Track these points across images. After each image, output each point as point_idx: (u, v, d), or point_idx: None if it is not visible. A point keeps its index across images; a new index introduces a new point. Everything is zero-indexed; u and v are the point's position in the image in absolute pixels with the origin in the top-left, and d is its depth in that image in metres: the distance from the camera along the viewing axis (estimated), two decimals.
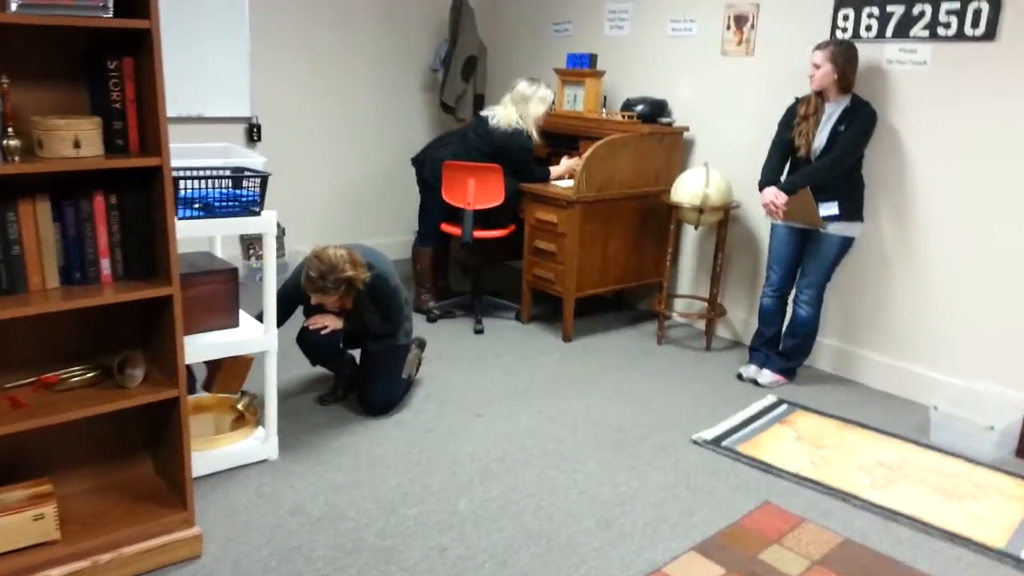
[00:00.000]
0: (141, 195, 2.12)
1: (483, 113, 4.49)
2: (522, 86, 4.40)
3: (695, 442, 3.21)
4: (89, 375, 2.21)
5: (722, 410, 3.52)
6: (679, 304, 4.73)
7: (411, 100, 5.68)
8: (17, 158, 1.89)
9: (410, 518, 2.59)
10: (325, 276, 2.98)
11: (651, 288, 4.70)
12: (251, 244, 5.11)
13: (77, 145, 1.96)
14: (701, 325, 4.52)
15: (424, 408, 3.40)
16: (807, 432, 3.36)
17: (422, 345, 3.63)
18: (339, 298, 3.10)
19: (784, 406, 3.61)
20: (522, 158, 4.33)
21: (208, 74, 4.73)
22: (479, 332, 4.36)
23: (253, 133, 5.00)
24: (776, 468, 3.02)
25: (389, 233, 5.63)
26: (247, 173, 2.67)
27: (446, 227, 4.43)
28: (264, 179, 2.69)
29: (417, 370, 3.60)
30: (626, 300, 5.00)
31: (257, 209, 2.69)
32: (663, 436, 3.25)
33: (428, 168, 4.47)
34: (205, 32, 4.66)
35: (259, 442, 2.90)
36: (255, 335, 2.78)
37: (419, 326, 4.35)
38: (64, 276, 2.07)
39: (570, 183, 4.21)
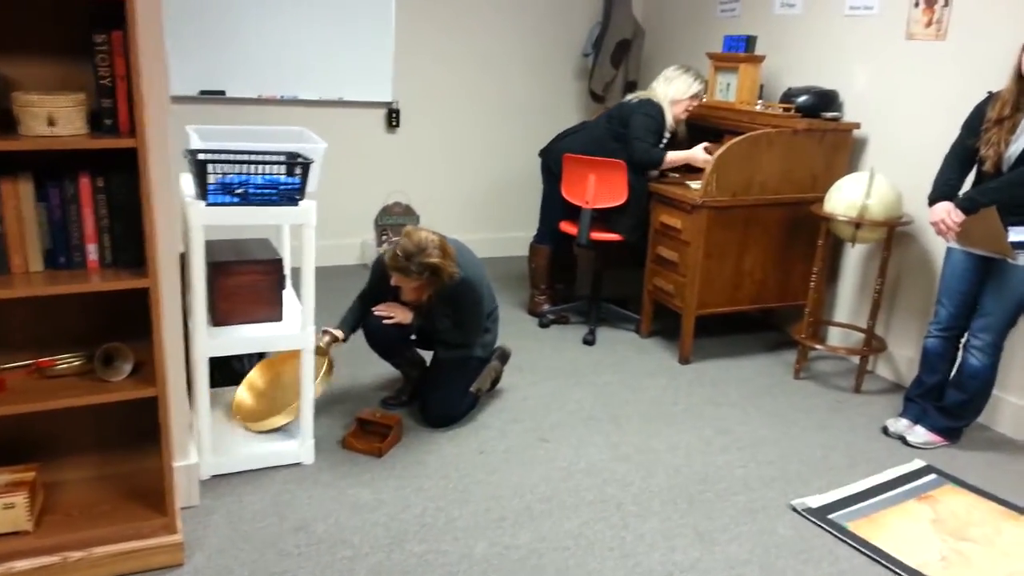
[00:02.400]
0: (131, 179, 1.98)
1: (625, 99, 4.08)
2: (669, 69, 3.94)
3: (794, 509, 2.63)
4: (80, 363, 2.13)
5: (847, 471, 2.88)
6: (833, 334, 4.02)
7: (561, 87, 5.34)
8: None
9: (415, 556, 2.29)
10: (411, 256, 2.76)
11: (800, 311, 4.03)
12: (385, 229, 5.05)
13: (52, 123, 1.85)
14: (856, 361, 3.79)
15: (489, 425, 3.08)
16: (950, 515, 2.65)
17: (504, 358, 3.30)
18: (418, 287, 2.86)
19: (931, 476, 2.89)
20: (639, 125, 3.84)
21: (350, 58, 4.69)
22: (588, 343, 3.97)
23: (391, 119, 4.91)
24: (891, 558, 2.39)
25: (524, 227, 5.34)
26: (284, 158, 2.49)
27: (565, 226, 4.05)
28: (306, 166, 2.49)
29: (493, 385, 3.30)
30: (774, 321, 4.35)
31: (297, 197, 2.50)
32: (756, 496, 2.69)
33: (552, 159, 4.12)
34: (349, 16, 4.61)
35: (296, 444, 2.74)
36: (293, 331, 2.61)
37: (527, 331, 4.05)
38: (49, 259, 1.99)
39: (699, 184, 3.67)
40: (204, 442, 2.58)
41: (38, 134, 1.84)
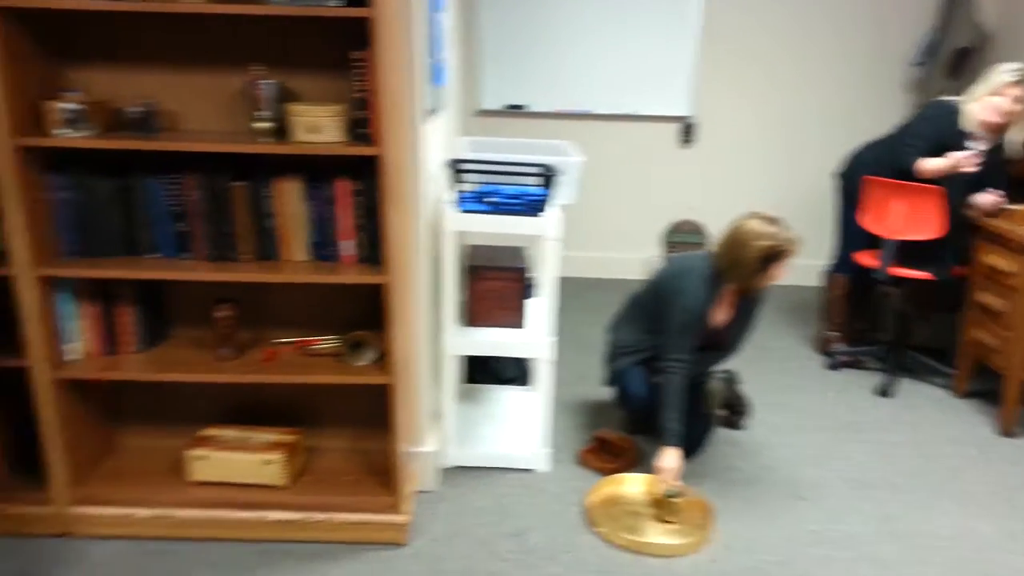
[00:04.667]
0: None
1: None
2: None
3: None
4: (335, 346, 2.37)
5: None
6: None
7: (884, 101, 4.76)
8: (266, 140, 2.09)
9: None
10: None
11: None
12: (673, 246, 4.94)
13: (315, 131, 2.08)
14: None
15: (738, 467, 2.84)
16: None
17: (731, 380, 3.05)
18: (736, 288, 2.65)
19: None
20: (908, 129, 3.34)
21: (647, 72, 4.67)
22: (884, 394, 3.47)
23: (686, 134, 4.79)
24: None
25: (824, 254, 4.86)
26: (528, 169, 2.53)
27: (862, 257, 3.59)
28: (550, 177, 2.52)
29: (737, 415, 3.06)
30: None
31: (541, 209, 2.54)
32: None
33: (852, 177, 3.68)
34: (653, 30, 4.60)
35: (532, 449, 2.77)
36: (533, 338, 2.66)
37: (810, 371, 3.69)
38: (312, 252, 2.25)
39: None
40: (448, 433, 2.73)
41: (304, 140, 2.09)
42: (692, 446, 2.85)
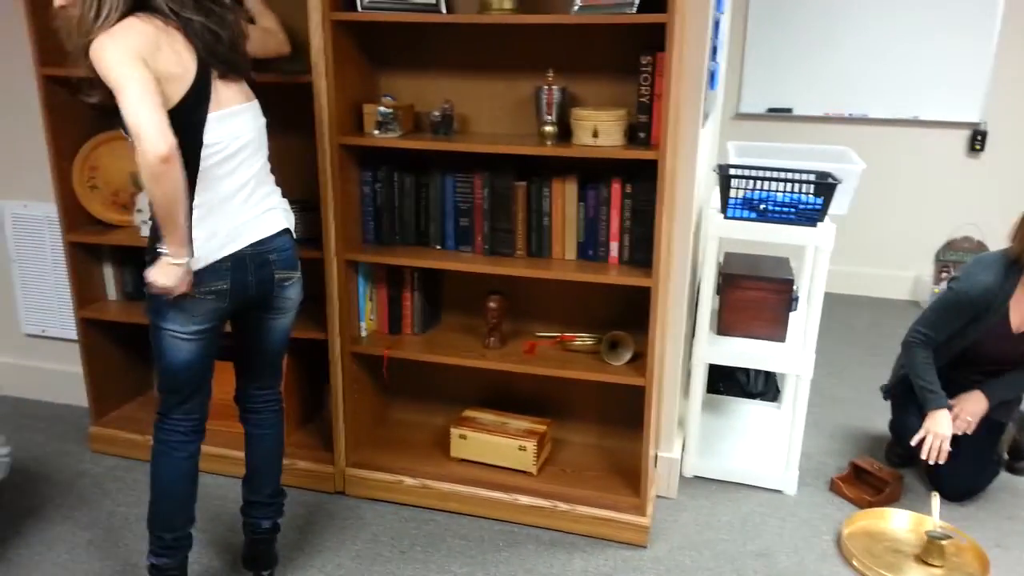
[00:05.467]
0: (652, 187, 2.18)
1: None
2: None
3: None
4: (593, 343, 2.43)
5: None
6: None
7: None
8: (550, 143, 2.19)
9: None
10: None
11: None
12: (946, 266, 4.50)
13: (595, 135, 2.14)
14: None
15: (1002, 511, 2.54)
16: None
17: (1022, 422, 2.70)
18: None
19: None
20: None
21: (932, 74, 4.28)
22: None
23: (975, 141, 4.33)
24: None
25: None
26: (810, 178, 2.43)
27: None
28: (830, 187, 2.40)
29: (1008, 452, 2.73)
30: None
31: (816, 219, 2.43)
32: None
33: None
34: (939, 28, 4.20)
35: (779, 470, 2.67)
36: (793, 354, 2.55)
37: None
38: (580, 251, 2.32)
39: None
40: (691, 441, 2.70)
41: (584, 143, 2.16)
42: (973, 491, 2.61)
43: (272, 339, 2.01)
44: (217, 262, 1.79)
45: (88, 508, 2.51)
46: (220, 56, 1.74)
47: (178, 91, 1.66)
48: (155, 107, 1.56)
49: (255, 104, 1.87)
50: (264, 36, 2.07)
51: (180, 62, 1.66)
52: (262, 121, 1.89)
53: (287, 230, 1.93)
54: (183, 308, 1.78)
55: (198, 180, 1.73)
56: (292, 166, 2.41)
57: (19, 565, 2.25)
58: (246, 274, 1.84)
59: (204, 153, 1.72)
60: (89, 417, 2.83)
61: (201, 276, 1.77)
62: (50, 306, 3.05)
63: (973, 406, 2.47)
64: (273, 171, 1.96)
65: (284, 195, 1.98)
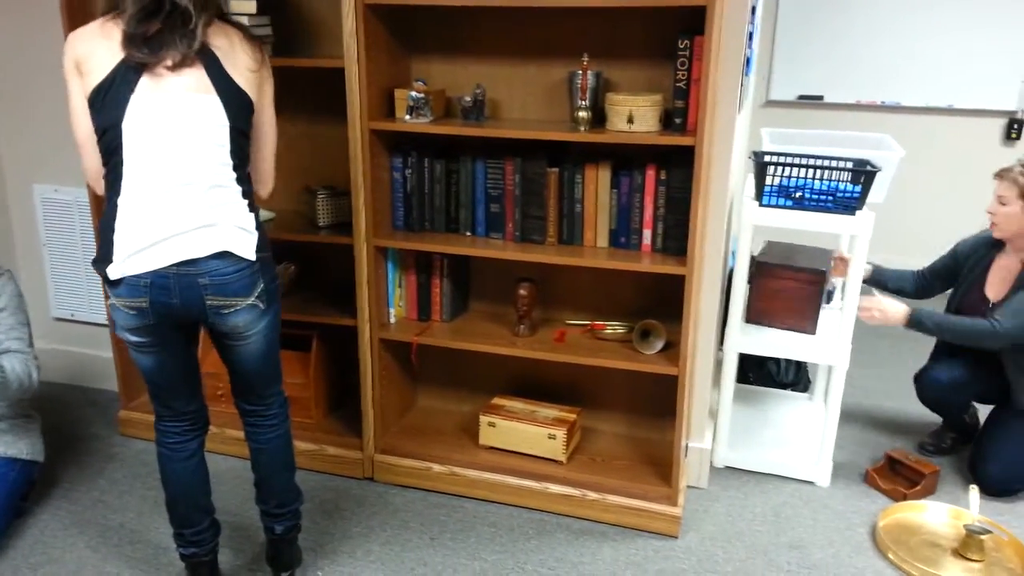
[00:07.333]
0: (687, 174, 2.14)
1: None
2: None
3: None
4: (624, 332, 2.40)
5: None
6: None
7: None
8: (584, 128, 2.16)
9: None
10: None
11: None
12: None
13: (631, 121, 2.11)
14: None
15: None
16: None
17: None
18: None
19: None
20: None
21: (967, 61, 4.19)
22: None
23: (1011, 130, 4.24)
24: None
25: None
26: (848, 165, 2.38)
27: None
28: (869, 175, 2.35)
29: None
30: None
31: (854, 207, 2.38)
32: None
33: None
34: (973, 15, 4.12)
35: (812, 462, 2.64)
36: (829, 344, 2.51)
37: None
38: (612, 238, 2.29)
39: None
40: (721, 432, 2.67)
41: (619, 129, 2.12)
42: (1013, 484, 2.56)
43: (242, 363, 1.82)
44: (132, 277, 1.63)
45: (119, 492, 2.53)
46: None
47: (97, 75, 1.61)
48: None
49: (209, 98, 1.61)
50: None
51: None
52: (219, 120, 1.63)
53: (227, 252, 1.66)
54: (116, 318, 1.70)
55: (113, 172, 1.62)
56: (323, 151, 2.40)
57: (52, 547, 2.27)
58: (169, 296, 1.65)
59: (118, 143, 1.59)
60: (119, 401, 2.85)
61: (118, 289, 1.64)
62: (79, 290, 3.07)
63: (892, 310, 2.53)
64: (247, 180, 1.74)
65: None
